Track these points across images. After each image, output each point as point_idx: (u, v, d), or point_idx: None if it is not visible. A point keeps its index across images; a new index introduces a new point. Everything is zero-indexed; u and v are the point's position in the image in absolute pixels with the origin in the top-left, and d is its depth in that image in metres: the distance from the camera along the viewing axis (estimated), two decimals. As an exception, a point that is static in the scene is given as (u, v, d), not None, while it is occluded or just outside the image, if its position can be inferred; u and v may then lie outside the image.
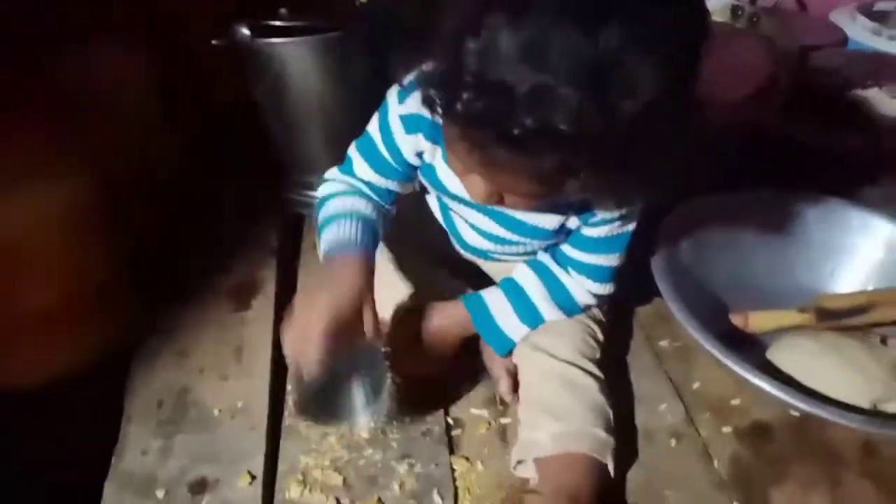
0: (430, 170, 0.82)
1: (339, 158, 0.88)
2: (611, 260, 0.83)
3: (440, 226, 0.95)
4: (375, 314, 0.73)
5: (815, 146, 1.20)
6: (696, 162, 1.06)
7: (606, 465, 0.74)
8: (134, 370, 0.91)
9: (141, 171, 1.12)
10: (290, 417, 0.84)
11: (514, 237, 0.84)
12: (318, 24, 0.99)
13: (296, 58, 0.99)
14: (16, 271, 0.95)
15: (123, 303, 1.06)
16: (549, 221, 0.80)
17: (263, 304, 1.00)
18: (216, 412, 0.85)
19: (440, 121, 0.62)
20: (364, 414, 0.73)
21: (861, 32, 1.50)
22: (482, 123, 0.55)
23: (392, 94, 0.79)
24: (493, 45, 0.53)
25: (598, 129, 0.53)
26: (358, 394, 0.73)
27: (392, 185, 0.85)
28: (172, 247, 1.09)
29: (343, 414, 0.73)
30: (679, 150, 0.63)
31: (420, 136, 0.78)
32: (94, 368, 0.94)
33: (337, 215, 0.79)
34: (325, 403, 0.72)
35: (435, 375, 0.86)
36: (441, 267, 0.95)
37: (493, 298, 0.85)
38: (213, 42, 0.95)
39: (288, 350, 0.70)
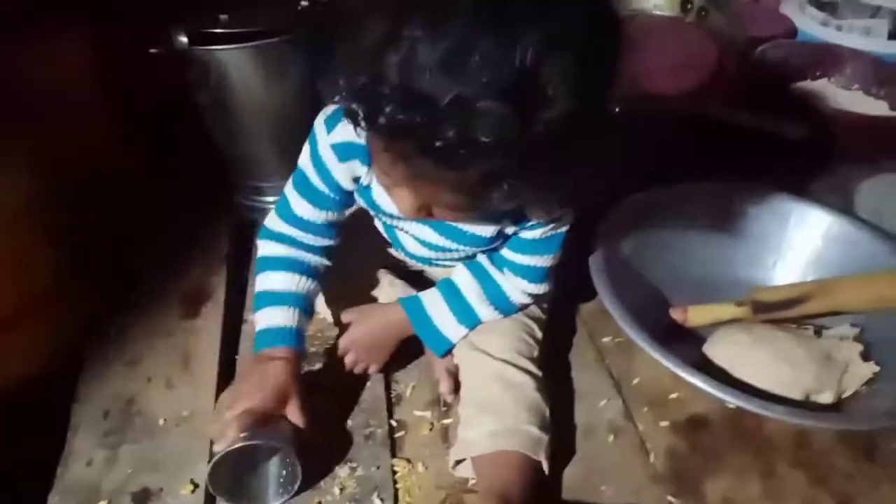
0: (365, 191, 0.82)
1: (287, 163, 0.86)
2: (546, 261, 0.84)
3: (381, 235, 0.95)
4: (302, 407, 0.77)
5: (759, 137, 1.22)
6: (636, 156, 1.08)
7: (540, 463, 0.75)
8: (82, 380, 0.91)
9: (90, 178, 1.12)
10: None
11: (454, 245, 0.85)
12: (259, 30, 1.00)
13: (236, 65, 0.99)
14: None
15: (72, 310, 1.06)
16: (486, 230, 0.81)
17: (212, 312, 1.01)
18: (161, 421, 0.85)
19: (364, 135, 0.62)
20: (275, 496, 0.76)
21: (809, 23, 1.53)
22: (405, 135, 0.55)
23: (319, 124, 0.78)
24: (413, 57, 0.53)
25: (518, 139, 0.54)
26: (272, 478, 0.78)
27: (332, 216, 0.84)
28: (123, 254, 1.09)
29: (255, 495, 0.76)
30: (601, 153, 0.64)
31: (356, 162, 0.78)
32: (42, 377, 0.95)
33: (273, 297, 0.82)
34: (239, 484, 0.75)
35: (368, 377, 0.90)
36: (386, 269, 0.96)
37: (431, 300, 0.87)
38: (151, 51, 0.94)
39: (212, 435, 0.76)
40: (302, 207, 0.83)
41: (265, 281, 0.83)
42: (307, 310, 0.84)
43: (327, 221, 0.84)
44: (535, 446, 0.75)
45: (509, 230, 0.82)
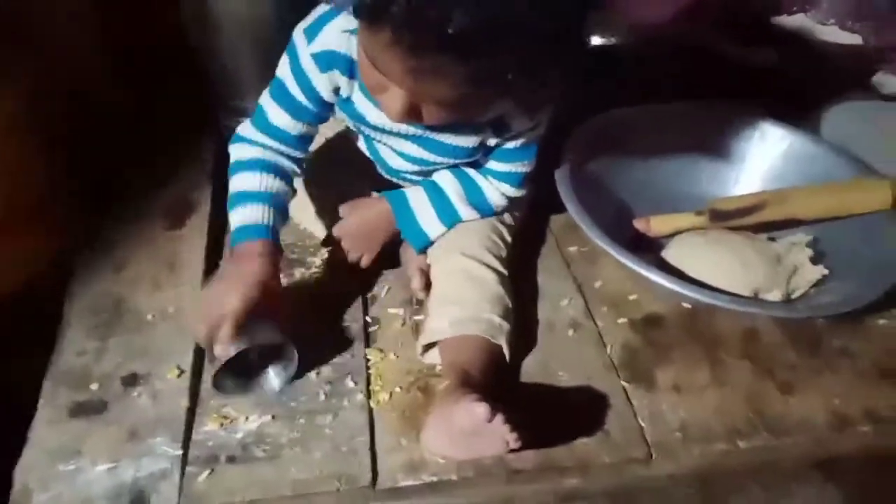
0: (347, 104, 0.84)
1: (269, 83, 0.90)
2: (524, 167, 0.90)
3: (364, 154, 0.98)
4: (282, 298, 0.80)
5: (732, 63, 1.25)
6: (612, 76, 1.12)
7: (501, 347, 0.81)
8: (72, 282, 0.96)
9: (82, 98, 1.16)
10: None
11: (437, 158, 0.89)
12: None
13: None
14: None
15: (62, 219, 1.11)
16: (467, 141, 0.85)
17: (197, 223, 1.05)
18: (149, 317, 0.90)
19: (365, 34, 0.66)
20: (275, 383, 0.82)
21: (789, -42, 1.54)
22: (419, 25, 0.59)
23: (299, 33, 0.80)
24: None
25: (526, 30, 0.59)
26: (272, 369, 0.82)
27: (306, 129, 0.86)
28: (110, 167, 1.13)
29: (256, 387, 0.81)
30: (579, 61, 0.69)
31: (336, 72, 0.80)
32: (32, 284, 1.00)
33: (247, 196, 0.83)
34: (239, 379, 0.80)
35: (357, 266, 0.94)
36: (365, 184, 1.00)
37: (414, 195, 0.92)
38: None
39: (201, 334, 0.76)
40: (279, 118, 0.84)
41: (238, 181, 0.84)
42: (281, 210, 0.85)
43: (300, 133, 0.86)
44: (495, 332, 0.80)
45: (490, 142, 0.86)
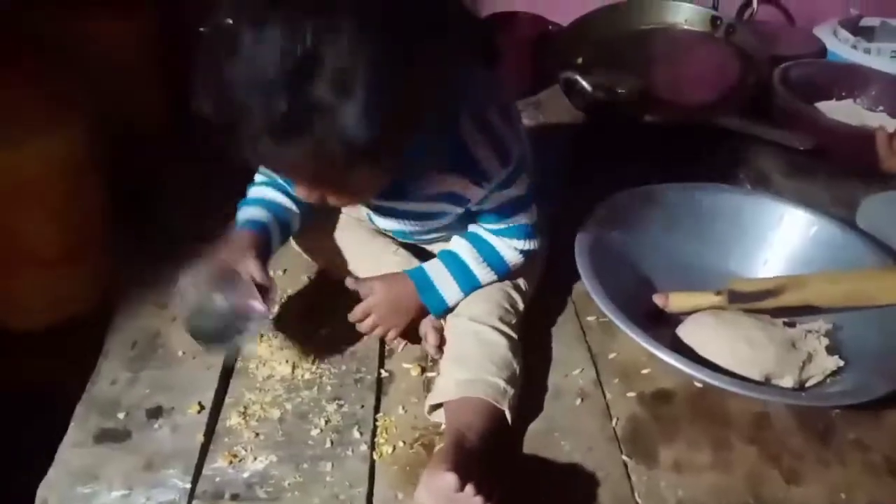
0: None
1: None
2: (524, 219, 0.92)
3: None
4: (259, 267, 0.85)
5: (770, 146, 1.27)
6: (642, 155, 1.15)
7: (503, 412, 0.83)
8: (117, 315, 1.03)
9: (134, 138, 1.26)
10: (241, 361, 0.96)
11: (419, 227, 0.94)
12: None
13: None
14: (20, 218, 1.09)
15: (113, 255, 1.19)
16: (434, 207, 0.89)
17: (238, 267, 1.11)
18: (181, 353, 0.96)
19: None
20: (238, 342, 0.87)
21: (840, 45, 1.56)
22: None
23: None
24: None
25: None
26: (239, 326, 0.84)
27: None
28: (162, 207, 1.22)
29: (222, 338, 0.85)
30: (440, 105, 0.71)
31: None
32: (85, 315, 1.07)
33: (251, 200, 0.94)
34: (208, 327, 0.84)
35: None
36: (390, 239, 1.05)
37: (433, 268, 0.95)
38: (201, 29, 1.06)
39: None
40: (276, 196, 0.95)
41: (249, 193, 0.96)
42: (281, 222, 0.93)
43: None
44: (499, 396, 0.83)
45: (458, 210, 0.89)
